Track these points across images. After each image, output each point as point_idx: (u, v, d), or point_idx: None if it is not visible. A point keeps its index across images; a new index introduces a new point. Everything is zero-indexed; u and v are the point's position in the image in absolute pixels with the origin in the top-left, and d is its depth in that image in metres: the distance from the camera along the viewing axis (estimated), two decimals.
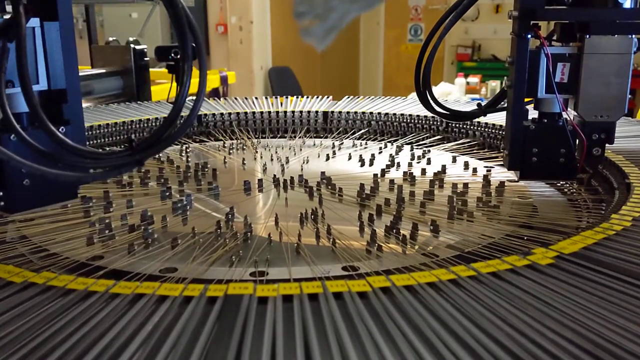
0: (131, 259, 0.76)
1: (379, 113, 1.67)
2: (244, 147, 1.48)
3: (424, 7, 6.41)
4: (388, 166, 1.23)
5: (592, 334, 0.48)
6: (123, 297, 0.55)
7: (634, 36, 0.89)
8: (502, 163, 1.29)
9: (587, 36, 0.89)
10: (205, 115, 1.68)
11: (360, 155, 1.33)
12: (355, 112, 1.69)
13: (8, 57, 0.58)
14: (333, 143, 1.50)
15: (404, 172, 1.17)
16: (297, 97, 1.90)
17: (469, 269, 0.61)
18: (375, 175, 1.15)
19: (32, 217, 0.93)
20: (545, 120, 0.95)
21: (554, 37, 0.96)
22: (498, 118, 1.49)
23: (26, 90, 0.58)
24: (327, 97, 1.88)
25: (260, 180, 1.13)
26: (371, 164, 1.29)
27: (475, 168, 1.22)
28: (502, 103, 1.07)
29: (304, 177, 1.13)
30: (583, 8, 0.90)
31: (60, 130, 0.62)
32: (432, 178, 1.12)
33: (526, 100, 0.94)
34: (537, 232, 0.85)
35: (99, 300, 0.55)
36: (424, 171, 1.19)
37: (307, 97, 1.89)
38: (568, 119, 0.93)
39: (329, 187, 1.08)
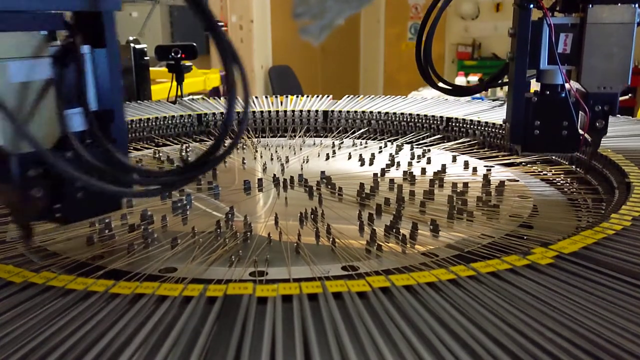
0: (131, 258, 0.76)
1: (379, 112, 1.67)
2: (244, 146, 1.48)
3: (424, 6, 6.40)
4: (388, 165, 1.24)
5: (591, 334, 0.48)
6: (123, 297, 0.55)
7: (636, 5, 0.88)
8: (502, 163, 1.29)
9: (590, 6, 0.88)
10: (205, 114, 1.68)
11: (360, 155, 1.33)
12: (355, 112, 1.70)
13: (65, 81, 0.63)
14: (333, 142, 1.50)
15: (404, 172, 1.17)
16: (297, 97, 1.90)
17: (469, 269, 0.61)
18: (375, 174, 1.15)
19: None
20: (548, 93, 0.94)
21: (557, 8, 0.95)
22: (498, 118, 1.49)
23: (87, 112, 0.65)
24: (327, 96, 1.88)
25: (260, 180, 1.13)
26: (371, 163, 1.29)
27: (475, 167, 1.22)
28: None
29: (303, 176, 1.13)
30: None
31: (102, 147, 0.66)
32: (432, 177, 1.12)
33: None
34: (537, 231, 0.85)
35: (99, 300, 0.55)
36: (424, 170, 1.19)
37: (307, 97, 1.89)
38: (571, 91, 0.93)
39: (329, 186, 1.08)
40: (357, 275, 0.70)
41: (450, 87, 1.11)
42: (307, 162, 1.31)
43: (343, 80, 6.46)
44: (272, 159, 1.33)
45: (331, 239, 0.81)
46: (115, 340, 0.47)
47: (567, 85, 0.93)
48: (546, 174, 1.21)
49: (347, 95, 1.90)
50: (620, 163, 1.03)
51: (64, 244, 0.82)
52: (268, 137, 1.65)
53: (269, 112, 1.72)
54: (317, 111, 1.71)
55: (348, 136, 1.61)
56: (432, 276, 0.59)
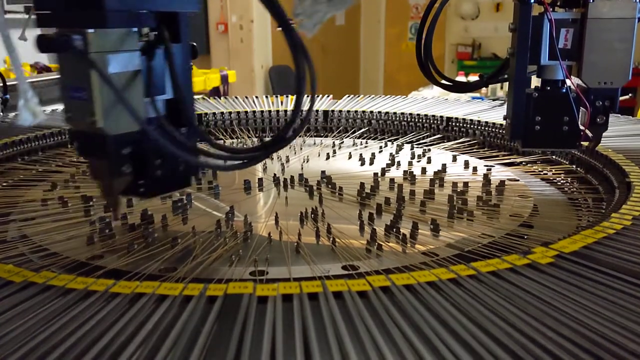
0: (131, 258, 0.76)
1: (379, 112, 1.67)
2: (244, 146, 1.48)
3: (424, 6, 6.37)
4: (388, 165, 1.23)
5: (591, 333, 0.48)
6: (123, 296, 0.55)
7: (637, 1, 0.88)
8: (502, 162, 1.29)
9: (591, 0, 0.88)
10: (206, 114, 1.68)
11: (361, 154, 1.33)
12: (356, 111, 1.69)
13: (152, 73, 0.73)
14: (333, 142, 1.49)
15: (404, 171, 1.17)
16: None
17: (469, 268, 0.61)
18: (375, 174, 1.15)
19: (33, 217, 0.93)
20: (549, 88, 0.94)
21: (558, 3, 0.94)
22: (498, 117, 1.49)
23: (183, 99, 0.75)
24: (328, 96, 1.88)
25: (260, 179, 1.13)
26: (371, 163, 1.28)
27: (476, 167, 1.22)
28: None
29: (304, 176, 1.13)
30: None
31: (182, 130, 0.76)
32: (432, 177, 1.11)
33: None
34: (537, 231, 0.85)
35: (99, 299, 0.55)
36: (424, 170, 1.19)
37: (308, 96, 1.89)
38: (572, 86, 0.92)
39: (329, 186, 1.08)
40: (357, 274, 0.70)
41: (451, 84, 1.11)
42: (307, 161, 1.31)
43: (343, 80, 6.45)
44: (272, 159, 1.33)
45: (331, 239, 0.81)
46: (116, 340, 0.47)
47: (568, 81, 0.92)
48: (546, 174, 1.21)
49: (347, 95, 1.90)
50: (620, 163, 1.03)
51: (64, 243, 0.81)
52: (268, 137, 1.65)
53: (269, 111, 1.72)
54: (317, 111, 1.71)
55: (348, 136, 1.61)
56: (432, 275, 0.59)
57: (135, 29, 0.71)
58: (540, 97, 0.94)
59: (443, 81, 1.09)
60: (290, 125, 0.79)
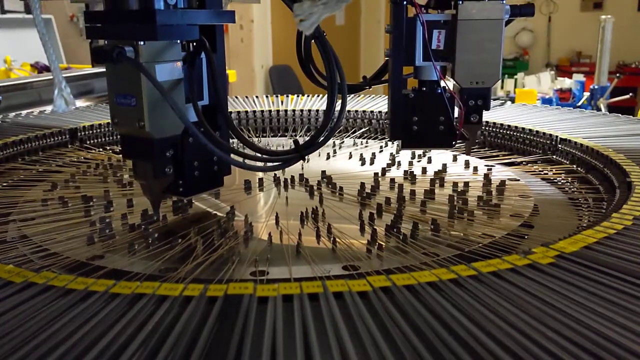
0: (131, 258, 0.76)
1: (380, 112, 1.67)
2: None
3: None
4: (389, 165, 1.23)
5: (592, 333, 0.48)
6: (123, 297, 0.55)
7: (504, 2, 0.89)
8: (503, 162, 1.29)
9: (460, 2, 0.89)
10: None
11: (361, 154, 1.33)
12: (356, 111, 1.69)
13: (195, 80, 0.80)
14: (334, 142, 1.49)
15: (405, 171, 1.17)
16: (298, 96, 1.90)
17: (470, 269, 0.61)
18: (375, 174, 1.14)
19: (33, 217, 0.93)
20: (424, 89, 0.95)
21: (431, 5, 0.96)
22: (498, 117, 1.49)
23: (222, 107, 0.84)
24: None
25: (260, 179, 1.12)
26: (372, 162, 1.28)
27: (476, 167, 1.21)
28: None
29: (304, 176, 1.13)
30: None
31: (216, 133, 0.82)
32: (432, 177, 1.11)
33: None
34: (538, 231, 0.85)
35: (99, 300, 0.55)
36: (424, 170, 1.19)
37: (308, 96, 1.89)
38: (446, 86, 0.93)
39: (330, 186, 1.08)
40: (357, 274, 0.69)
41: None
42: (307, 161, 1.30)
43: None
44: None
45: (332, 239, 0.81)
46: (116, 340, 0.47)
47: (442, 82, 0.93)
48: (547, 174, 1.21)
49: (347, 95, 1.89)
50: (621, 162, 1.03)
51: (64, 243, 0.81)
52: (269, 137, 1.65)
53: (270, 111, 1.72)
54: (317, 110, 1.71)
55: (349, 135, 1.61)
56: (432, 276, 0.59)
57: (179, 41, 0.77)
58: (416, 98, 0.96)
59: (325, 82, 1.10)
60: (323, 130, 0.84)
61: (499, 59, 0.91)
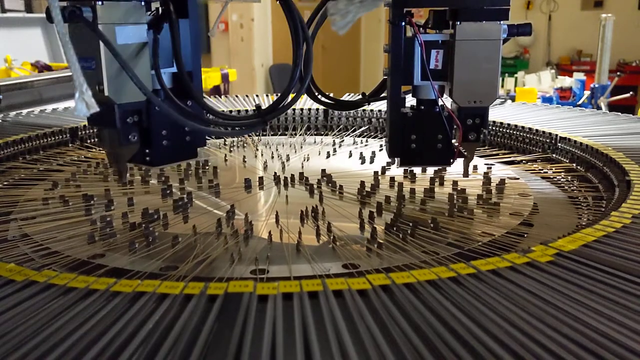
0: (132, 257, 0.76)
1: (380, 110, 1.67)
2: (245, 144, 1.48)
3: None
4: (388, 163, 1.23)
5: (591, 331, 0.48)
6: (124, 295, 0.56)
7: (502, 22, 0.89)
8: (502, 161, 1.29)
9: (458, 23, 0.89)
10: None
11: (361, 153, 1.33)
12: (356, 110, 1.69)
13: (159, 45, 0.76)
14: (334, 140, 1.50)
15: (405, 170, 1.17)
16: None
17: (469, 267, 0.61)
18: (375, 172, 1.15)
19: (34, 216, 0.93)
20: (423, 107, 0.96)
21: (429, 25, 0.96)
22: (498, 116, 1.49)
23: (181, 71, 0.80)
24: (328, 95, 1.88)
25: (260, 178, 1.13)
26: (372, 161, 1.29)
27: (476, 165, 1.22)
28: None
29: (304, 174, 1.13)
30: None
31: (187, 103, 0.81)
32: (432, 175, 1.12)
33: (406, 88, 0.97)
34: (537, 229, 0.85)
35: (100, 298, 0.55)
36: (424, 168, 1.19)
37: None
38: (444, 105, 0.94)
39: (330, 184, 1.08)
40: (357, 273, 0.70)
41: (333, 102, 1.13)
42: (307, 160, 1.31)
43: (343, 79, 6.45)
44: (272, 157, 1.34)
45: (332, 237, 0.82)
46: (117, 338, 0.47)
47: (440, 101, 0.94)
48: (547, 172, 1.21)
49: (348, 93, 1.89)
50: (620, 161, 1.03)
51: (65, 242, 0.82)
52: (269, 136, 1.65)
53: None
54: (317, 109, 1.71)
55: (348, 134, 1.61)
56: (432, 274, 0.59)
57: (143, 3, 0.75)
58: (415, 116, 0.96)
59: (323, 99, 1.11)
60: (286, 95, 0.84)
61: (497, 79, 0.91)
